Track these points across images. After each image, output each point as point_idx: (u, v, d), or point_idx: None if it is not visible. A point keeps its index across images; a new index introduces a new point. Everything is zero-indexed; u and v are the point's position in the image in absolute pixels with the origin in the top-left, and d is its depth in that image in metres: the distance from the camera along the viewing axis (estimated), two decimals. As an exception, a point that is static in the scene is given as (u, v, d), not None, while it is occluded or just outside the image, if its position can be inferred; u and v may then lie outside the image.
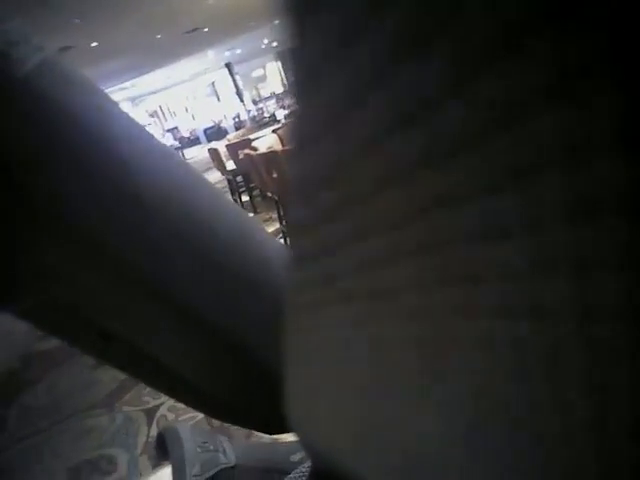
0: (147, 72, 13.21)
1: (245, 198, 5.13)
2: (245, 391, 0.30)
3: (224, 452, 0.29)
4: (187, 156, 14.35)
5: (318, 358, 0.16)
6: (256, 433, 0.33)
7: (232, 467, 0.29)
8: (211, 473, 0.28)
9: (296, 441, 0.33)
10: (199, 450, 0.29)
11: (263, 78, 19.12)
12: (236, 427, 0.34)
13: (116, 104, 0.28)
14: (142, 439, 2.07)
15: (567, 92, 0.07)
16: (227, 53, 14.36)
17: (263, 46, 14.45)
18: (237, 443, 0.31)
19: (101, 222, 0.25)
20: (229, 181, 5.41)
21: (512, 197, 0.09)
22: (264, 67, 18.79)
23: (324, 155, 0.12)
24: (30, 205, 0.24)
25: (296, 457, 0.31)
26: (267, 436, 0.32)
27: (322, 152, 0.12)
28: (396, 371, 0.13)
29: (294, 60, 0.12)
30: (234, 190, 5.30)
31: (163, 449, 0.30)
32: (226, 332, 0.28)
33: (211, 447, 0.29)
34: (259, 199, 4.98)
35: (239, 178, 5.13)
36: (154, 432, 2.08)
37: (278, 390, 0.21)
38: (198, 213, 0.28)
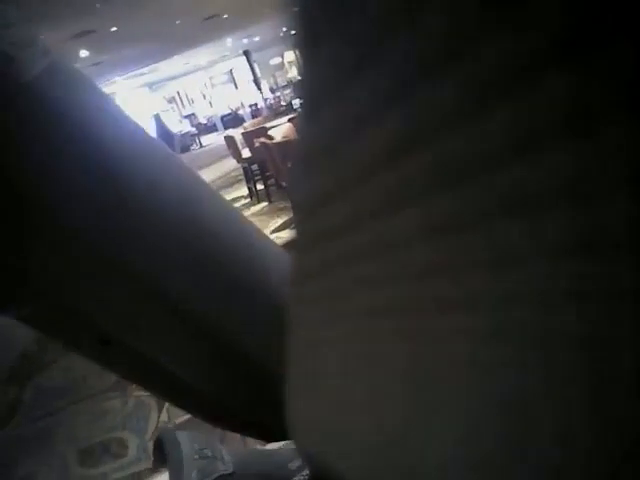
0: (166, 58, 13.23)
1: (260, 187, 5.12)
2: (245, 398, 0.30)
3: (222, 459, 0.30)
4: (204, 143, 14.39)
5: (321, 370, 0.16)
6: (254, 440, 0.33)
7: (230, 474, 0.29)
8: (207, 479, 0.28)
9: (294, 449, 0.33)
10: (197, 457, 0.29)
11: (281, 66, 19.05)
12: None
13: (120, 109, 0.28)
14: (152, 424, 2.10)
15: (581, 128, 0.07)
16: (245, 40, 14.31)
17: (281, 34, 14.37)
18: (235, 450, 0.31)
19: (101, 226, 0.25)
20: (244, 169, 5.40)
21: (519, 227, 0.09)
22: (282, 55, 18.71)
23: (331, 173, 0.12)
24: (32, 208, 0.24)
25: (294, 465, 0.31)
26: (265, 443, 0.32)
27: (328, 170, 0.12)
28: (397, 386, 0.13)
29: (304, 81, 0.12)
30: (249, 178, 5.30)
31: (161, 454, 0.30)
32: (228, 338, 0.29)
33: (209, 454, 0.30)
34: (274, 188, 4.97)
35: (254, 166, 5.13)
36: (164, 417, 2.11)
37: (278, 398, 0.21)
38: (201, 217, 0.28)
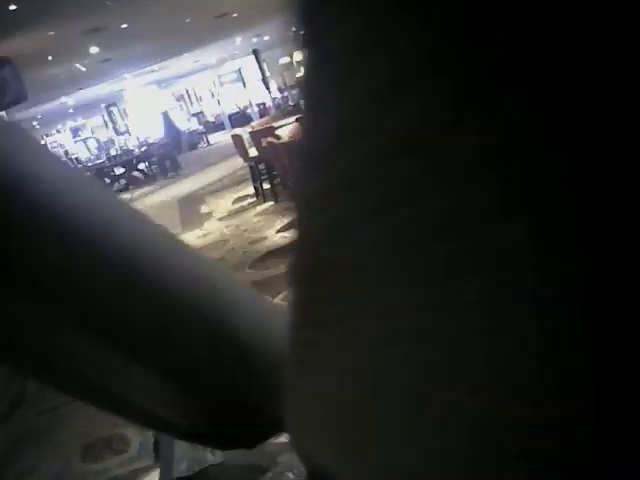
0: (175, 56, 13.25)
1: (267, 186, 5.13)
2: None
3: (212, 450, 0.30)
4: (211, 141, 14.40)
5: (322, 372, 0.16)
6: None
7: (219, 464, 0.30)
8: (196, 470, 0.29)
9: (284, 443, 0.33)
10: (189, 449, 0.30)
11: (289, 65, 19.03)
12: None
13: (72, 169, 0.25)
14: (154, 420, 2.10)
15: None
16: (254, 39, 14.32)
17: (290, 33, 14.31)
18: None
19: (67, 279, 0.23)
20: (251, 168, 5.41)
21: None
22: (291, 55, 18.69)
23: (330, 175, 0.12)
24: None
25: (283, 458, 0.32)
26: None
27: (328, 172, 0.12)
28: (397, 390, 0.12)
29: (306, 81, 0.13)
30: (256, 177, 5.31)
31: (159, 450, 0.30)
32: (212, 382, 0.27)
33: (201, 446, 0.30)
34: (280, 187, 4.97)
35: (261, 165, 5.13)
36: (166, 414, 2.11)
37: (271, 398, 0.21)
38: (178, 271, 0.26)
